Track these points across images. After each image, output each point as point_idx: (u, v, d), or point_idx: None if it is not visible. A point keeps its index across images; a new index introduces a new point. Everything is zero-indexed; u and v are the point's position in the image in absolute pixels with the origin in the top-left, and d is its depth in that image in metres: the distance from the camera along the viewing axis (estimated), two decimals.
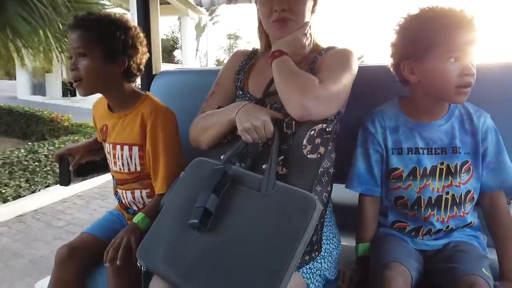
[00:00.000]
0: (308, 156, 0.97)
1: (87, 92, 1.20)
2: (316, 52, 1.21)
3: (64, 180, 1.37)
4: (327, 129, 0.98)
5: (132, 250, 1.08)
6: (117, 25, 1.20)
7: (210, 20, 29.63)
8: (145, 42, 1.29)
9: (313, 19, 1.23)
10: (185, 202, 0.95)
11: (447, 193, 1.07)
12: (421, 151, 1.08)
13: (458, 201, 1.06)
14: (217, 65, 29.38)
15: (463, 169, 1.07)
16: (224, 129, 1.11)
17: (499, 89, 1.19)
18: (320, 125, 0.99)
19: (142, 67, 1.29)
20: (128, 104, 1.28)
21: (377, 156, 1.13)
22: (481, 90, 1.01)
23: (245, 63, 1.34)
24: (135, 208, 1.33)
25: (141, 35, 1.28)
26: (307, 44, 1.16)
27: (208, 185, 0.89)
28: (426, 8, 1.03)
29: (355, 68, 1.11)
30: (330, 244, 1.12)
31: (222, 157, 1.06)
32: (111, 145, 1.30)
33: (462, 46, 0.97)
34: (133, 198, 1.31)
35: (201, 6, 2.54)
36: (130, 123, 1.26)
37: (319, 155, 0.96)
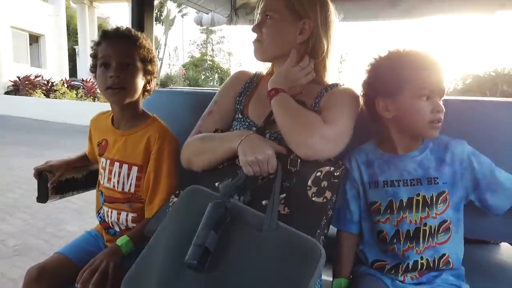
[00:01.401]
0: (313, 199, 0.95)
1: (123, 101, 1.22)
2: (322, 86, 1.20)
3: (41, 197, 1.31)
4: (335, 173, 0.97)
5: (109, 276, 1.05)
6: (147, 41, 1.28)
7: (179, 12, 28.50)
8: None
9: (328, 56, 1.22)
10: (180, 235, 0.90)
11: (425, 224, 1.08)
12: (396, 183, 1.11)
13: (433, 231, 1.09)
14: (191, 62, 28.62)
15: (439, 199, 1.09)
16: (223, 156, 1.09)
17: (465, 123, 1.25)
18: (327, 168, 0.98)
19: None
20: (136, 122, 1.29)
21: (353, 192, 1.16)
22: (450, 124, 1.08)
23: (247, 86, 1.31)
24: (117, 229, 1.29)
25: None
26: (303, 75, 1.14)
27: (207, 221, 0.85)
28: (396, 50, 1.10)
29: (358, 109, 1.14)
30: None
31: (217, 184, 1.04)
32: (108, 160, 1.28)
33: (432, 85, 1.04)
34: (118, 219, 1.27)
35: (201, 25, 2.53)
36: (135, 142, 1.26)
37: (324, 200, 0.94)
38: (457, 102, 1.30)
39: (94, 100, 13.22)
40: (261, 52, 1.21)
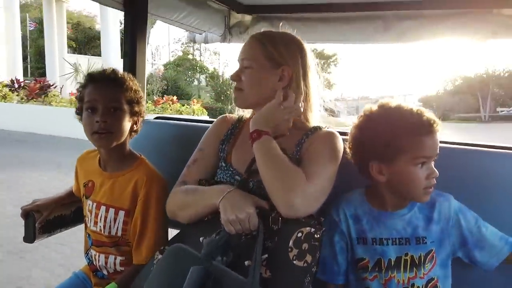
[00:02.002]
0: (294, 262, 0.95)
1: (110, 145, 1.22)
2: (302, 131, 1.20)
3: (29, 237, 1.31)
4: (315, 235, 0.96)
5: None
6: (133, 81, 1.29)
7: None
8: None
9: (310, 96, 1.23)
10: None
11: (412, 285, 1.08)
12: (385, 241, 1.10)
13: None
14: (175, 61, 27.65)
15: (427, 259, 1.09)
16: (205, 212, 1.10)
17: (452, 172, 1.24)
18: (308, 229, 0.97)
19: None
20: (123, 164, 1.28)
21: (342, 244, 1.14)
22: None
23: (230, 133, 1.30)
24: (105, 272, 1.30)
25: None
26: (287, 113, 1.12)
27: (189, 287, 0.86)
28: (392, 108, 1.07)
29: (340, 156, 1.13)
30: None
31: (201, 239, 1.05)
32: (94, 204, 1.27)
33: (429, 151, 1.03)
34: (106, 263, 1.28)
35: (195, 43, 2.52)
36: (122, 185, 1.25)
37: (305, 264, 0.94)
38: (444, 150, 1.31)
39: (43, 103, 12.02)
40: (242, 101, 1.23)
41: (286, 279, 0.94)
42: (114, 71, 1.27)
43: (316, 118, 1.25)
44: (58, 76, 15.37)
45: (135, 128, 1.29)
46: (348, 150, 1.15)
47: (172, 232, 1.30)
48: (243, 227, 0.99)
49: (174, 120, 1.78)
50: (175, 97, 13.63)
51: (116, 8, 1.61)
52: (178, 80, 20.41)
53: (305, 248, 0.96)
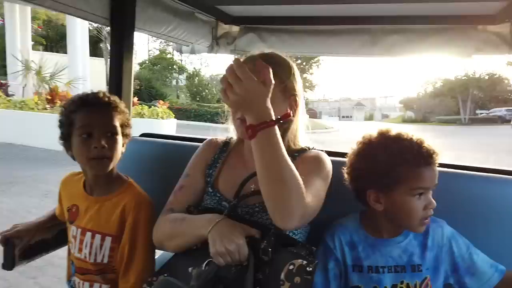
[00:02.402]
0: None
1: (107, 170, 1.20)
2: (290, 152, 1.17)
3: (8, 264, 1.26)
4: (307, 269, 0.93)
5: None
6: (122, 104, 1.28)
7: None
8: None
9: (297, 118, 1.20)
10: None
11: None
12: (381, 269, 1.09)
13: None
14: (151, 60, 26.67)
15: (422, 286, 1.09)
16: (194, 241, 1.07)
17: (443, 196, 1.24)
18: (300, 261, 0.95)
19: None
20: (110, 188, 1.25)
21: (336, 271, 1.12)
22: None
23: (217, 157, 1.27)
24: None
25: None
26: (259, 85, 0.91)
27: None
28: (391, 136, 1.07)
29: (330, 176, 1.13)
30: None
31: (190, 270, 1.02)
32: (79, 229, 1.23)
33: (427, 183, 1.03)
34: None
35: (181, 53, 2.49)
36: (109, 210, 1.22)
37: None
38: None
39: None
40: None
41: None
42: (106, 95, 1.24)
43: (303, 138, 1.24)
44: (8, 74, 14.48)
45: (122, 150, 1.27)
46: (346, 175, 1.15)
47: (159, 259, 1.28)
48: (232, 259, 0.97)
49: (160, 137, 1.75)
50: (135, 98, 12.86)
51: (103, 25, 1.57)
52: (152, 80, 19.42)
53: (297, 282, 0.94)
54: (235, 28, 2.35)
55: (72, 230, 1.26)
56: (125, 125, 1.26)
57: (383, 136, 1.09)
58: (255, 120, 0.90)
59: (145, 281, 1.08)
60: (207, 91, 23.48)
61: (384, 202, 1.06)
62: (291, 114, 1.08)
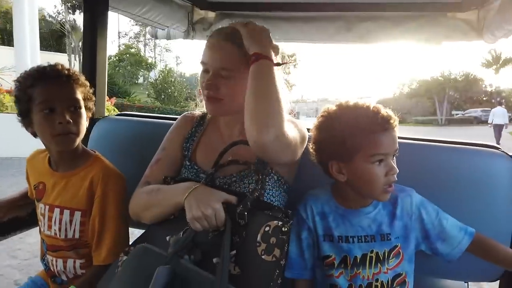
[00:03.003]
0: (263, 257, 0.94)
1: (73, 146, 1.17)
2: None
3: None
4: (283, 229, 0.95)
5: None
6: (82, 76, 1.21)
7: None
8: None
9: None
10: None
11: (377, 280, 1.09)
12: (351, 239, 1.11)
13: (385, 286, 1.12)
14: (117, 55, 25.32)
15: (391, 255, 1.13)
16: (170, 210, 1.06)
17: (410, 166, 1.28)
18: (276, 222, 0.96)
19: None
20: (75, 163, 1.21)
21: (309, 241, 1.14)
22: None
23: (194, 130, 1.27)
24: (64, 278, 1.23)
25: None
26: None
27: None
28: (348, 106, 1.08)
29: (306, 137, 1.14)
30: None
31: (168, 238, 1.02)
32: (47, 206, 1.20)
33: (385, 148, 1.03)
34: (64, 267, 1.21)
35: (157, 38, 2.45)
36: (76, 185, 1.18)
37: (274, 258, 0.93)
38: (404, 146, 1.36)
39: None
40: (222, 111, 1.16)
41: (255, 274, 0.93)
42: (65, 67, 1.18)
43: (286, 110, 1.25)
44: None
45: (86, 125, 1.22)
46: (311, 151, 1.15)
47: (135, 232, 1.26)
48: (209, 224, 0.97)
49: (137, 117, 1.72)
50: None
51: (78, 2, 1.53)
52: (115, 77, 18.20)
53: (273, 242, 0.95)
54: (211, 14, 2.34)
55: (40, 208, 1.22)
56: (87, 98, 1.21)
57: (340, 107, 1.09)
58: (261, 51, 1.01)
59: (119, 253, 1.07)
60: (173, 88, 22.11)
61: (346, 173, 1.07)
62: (290, 60, 1.15)
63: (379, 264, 1.11)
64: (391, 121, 1.05)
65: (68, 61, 16.79)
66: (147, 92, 19.11)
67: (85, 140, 1.54)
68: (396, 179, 1.06)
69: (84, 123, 1.18)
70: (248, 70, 1.03)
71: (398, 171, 1.05)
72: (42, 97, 1.11)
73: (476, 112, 34.82)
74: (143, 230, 1.17)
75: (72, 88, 1.15)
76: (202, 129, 1.28)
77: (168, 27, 2.17)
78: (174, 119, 1.53)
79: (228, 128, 1.23)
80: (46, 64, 1.18)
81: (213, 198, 0.99)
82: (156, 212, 1.09)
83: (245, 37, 1.05)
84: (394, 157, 1.07)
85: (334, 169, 1.09)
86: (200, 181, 1.10)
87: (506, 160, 1.29)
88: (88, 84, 1.23)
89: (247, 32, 1.05)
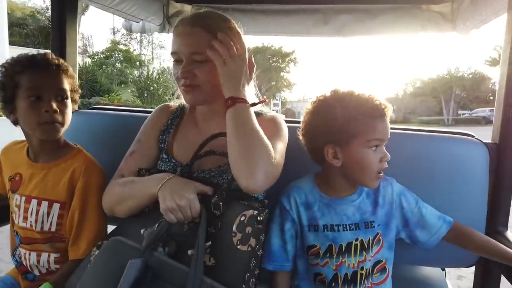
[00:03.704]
0: (238, 247, 0.93)
1: (58, 136, 1.16)
2: None
3: None
4: (258, 218, 0.94)
5: None
6: (71, 68, 1.21)
7: None
8: None
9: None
10: None
11: (362, 268, 1.11)
12: (336, 227, 1.12)
13: (368, 273, 1.12)
14: (104, 52, 24.30)
15: (374, 241, 1.12)
16: (144, 202, 1.04)
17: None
18: (251, 211, 0.96)
19: None
20: (56, 154, 1.19)
21: (292, 232, 1.14)
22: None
23: (170, 123, 1.24)
24: (36, 273, 1.19)
25: None
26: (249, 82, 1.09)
27: (125, 281, 0.81)
28: (345, 93, 1.10)
29: (287, 137, 1.14)
30: None
31: (142, 231, 0.99)
32: (24, 197, 1.17)
33: (382, 134, 1.06)
34: (38, 261, 1.17)
35: (131, 31, 2.39)
36: (56, 176, 1.16)
37: (249, 248, 0.92)
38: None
39: None
40: (201, 99, 1.13)
41: (231, 265, 0.92)
42: (54, 56, 1.17)
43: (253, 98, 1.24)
44: None
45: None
46: (300, 137, 1.15)
47: (110, 229, 1.23)
48: (184, 215, 0.95)
49: (112, 110, 1.68)
50: None
51: None
52: (98, 74, 17.21)
53: (249, 232, 0.94)
54: (187, 7, 2.30)
55: (16, 199, 1.19)
56: (74, 90, 1.20)
57: (337, 93, 1.10)
58: (236, 94, 1.01)
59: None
60: (155, 85, 20.63)
61: (342, 157, 1.07)
62: (266, 100, 1.14)
63: (364, 252, 1.12)
64: (386, 109, 1.07)
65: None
66: (129, 90, 18.27)
67: None
68: (387, 166, 1.07)
69: (70, 114, 1.17)
70: None
71: (390, 157, 1.07)
72: (30, 84, 1.10)
73: (484, 111, 32.46)
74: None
75: (60, 78, 1.15)
76: (178, 122, 1.25)
77: (142, 19, 2.12)
78: (150, 112, 1.50)
79: (205, 120, 1.21)
80: (35, 53, 1.17)
81: (187, 189, 0.96)
82: (130, 205, 1.06)
83: (222, 77, 1.04)
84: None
85: (330, 154, 1.08)
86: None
87: (481, 147, 1.31)
88: (74, 75, 1.22)
89: (224, 73, 1.04)
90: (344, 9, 2.11)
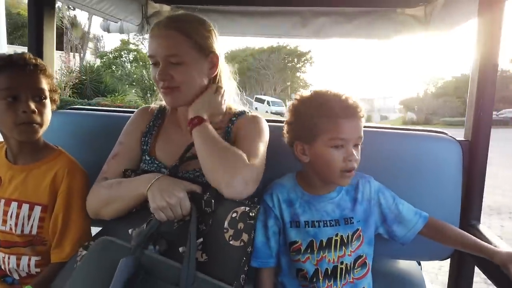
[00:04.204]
0: (231, 242, 0.94)
1: (36, 137, 1.14)
2: (228, 117, 1.20)
3: None
4: (250, 214, 0.96)
5: None
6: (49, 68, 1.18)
7: None
8: None
9: (223, 82, 1.22)
10: None
11: (341, 262, 1.14)
12: (317, 224, 1.14)
13: (348, 268, 1.15)
14: (112, 52, 23.45)
15: (354, 237, 1.15)
16: (132, 203, 1.04)
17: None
18: (243, 208, 0.97)
19: None
20: (36, 155, 1.17)
21: (275, 228, 1.16)
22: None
23: (152, 124, 1.25)
24: (16, 276, 1.17)
25: None
26: (223, 103, 1.15)
27: (117, 282, 0.81)
28: (317, 94, 1.13)
29: (268, 137, 1.17)
30: None
31: (130, 231, 0.99)
32: (3, 200, 1.14)
33: (345, 134, 1.06)
34: (18, 265, 1.15)
35: (109, 32, 2.35)
36: (38, 179, 1.14)
37: (242, 243, 0.93)
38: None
39: None
40: (181, 100, 1.14)
41: (223, 260, 0.93)
42: (31, 56, 1.15)
43: (237, 102, 1.27)
44: None
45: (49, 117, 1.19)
46: (284, 132, 1.19)
47: (94, 230, 1.21)
48: (174, 213, 0.96)
49: (92, 110, 1.65)
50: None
51: None
52: (103, 74, 16.32)
53: (241, 228, 0.96)
54: (166, 8, 2.29)
55: None
56: (53, 90, 1.18)
57: (313, 92, 1.14)
58: (200, 113, 1.08)
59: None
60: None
61: (309, 154, 1.11)
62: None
63: (343, 247, 1.15)
64: (357, 110, 1.09)
65: (66, 59, 15.51)
66: (133, 90, 17.01)
67: None
68: (355, 166, 1.09)
69: (49, 114, 1.15)
70: (198, 52, 1.11)
71: (358, 158, 1.09)
72: (6, 84, 1.08)
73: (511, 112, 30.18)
74: (100, 228, 1.13)
75: (38, 78, 1.13)
76: (160, 123, 1.26)
77: (121, 20, 2.09)
78: (131, 112, 1.49)
79: (186, 121, 1.21)
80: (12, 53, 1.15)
81: (177, 187, 0.98)
82: (118, 206, 1.06)
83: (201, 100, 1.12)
84: (359, 146, 1.11)
85: (299, 150, 1.12)
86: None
87: (455, 145, 1.37)
88: (53, 75, 1.21)
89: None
90: (322, 11, 2.16)
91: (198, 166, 1.13)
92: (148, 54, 1.14)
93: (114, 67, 17.77)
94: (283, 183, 1.20)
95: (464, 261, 1.39)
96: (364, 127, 1.43)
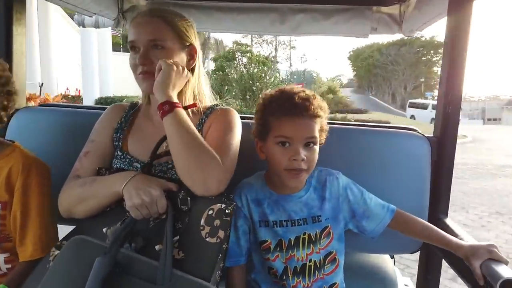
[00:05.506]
0: (207, 239, 0.94)
1: None
2: (199, 115, 1.21)
3: None
4: (226, 211, 0.96)
5: None
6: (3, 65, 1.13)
7: None
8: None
9: (196, 76, 1.23)
10: None
11: (310, 260, 1.16)
12: (285, 223, 1.16)
13: (318, 265, 1.17)
14: (235, 49, 21.58)
15: (322, 235, 1.17)
16: (106, 201, 1.03)
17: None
18: (219, 205, 0.97)
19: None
20: None
21: (245, 227, 1.17)
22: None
23: (123, 120, 1.25)
24: None
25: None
26: (185, 75, 1.13)
27: (93, 280, 0.80)
28: (279, 90, 1.14)
29: (240, 130, 1.19)
30: None
31: (105, 230, 0.98)
32: None
33: (289, 132, 1.07)
34: None
35: (84, 26, 2.31)
36: None
37: (218, 240, 0.94)
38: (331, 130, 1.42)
39: None
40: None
41: (200, 257, 0.93)
42: None
43: (208, 97, 1.28)
44: None
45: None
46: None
47: (63, 229, 1.20)
48: (150, 211, 0.96)
49: (61, 107, 1.63)
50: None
51: None
52: (213, 78, 15.03)
53: (217, 225, 0.96)
54: (143, 2, 2.27)
55: None
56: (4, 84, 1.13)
57: (276, 90, 1.16)
58: (170, 98, 1.04)
59: (47, 248, 1.01)
60: (258, 84, 15.23)
61: (264, 151, 1.14)
62: (197, 105, 1.17)
63: (311, 245, 1.16)
64: (307, 109, 1.07)
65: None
66: (233, 92, 15.23)
67: (3, 131, 1.46)
68: (302, 166, 1.07)
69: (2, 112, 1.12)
70: (179, 41, 1.13)
71: (303, 158, 1.06)
72: None
73: None
74: (73, 226, 1.11)
75: None
76: (132, 118, 1.26)
77: (96, 14, 2.06)
78: (102, 108, 1.48)
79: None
80: None
81: (153, 185, 0.98)
82: (91, 205, 1.05)
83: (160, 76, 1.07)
84: (314, 146, 1.10)
85: (258, 147, 1.16)
86: (135, 171, 1.08)
87: (423, 141, 1.40)
88: (6, 75, 1.15)
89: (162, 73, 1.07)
90: (300, 8, 2.17)
91: (170, 158, 1.13)
92: (128, 40, 1.14)
93: (228, 69, 16.30)
94: (252, 183, 1.21)
95: (432, 254, 1.42)
96: (336, 124, 1.47)
